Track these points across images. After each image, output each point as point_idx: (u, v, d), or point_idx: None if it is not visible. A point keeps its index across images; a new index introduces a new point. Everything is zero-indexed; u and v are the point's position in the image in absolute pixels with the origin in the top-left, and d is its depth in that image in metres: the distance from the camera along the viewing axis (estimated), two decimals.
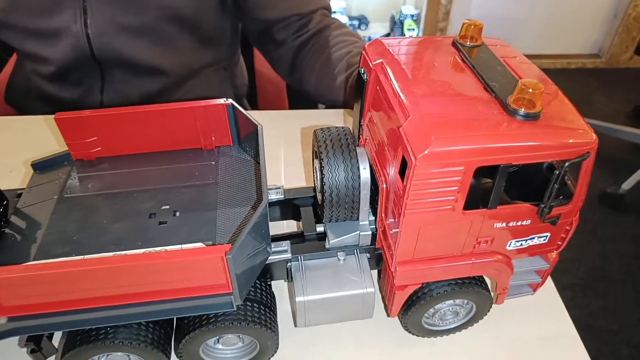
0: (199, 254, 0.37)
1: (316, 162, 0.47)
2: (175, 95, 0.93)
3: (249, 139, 0.53)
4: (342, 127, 0.47)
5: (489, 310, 0.49)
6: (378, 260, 0.48)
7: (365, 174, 0.44)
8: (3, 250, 0.45)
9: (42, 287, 0.37)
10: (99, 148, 0.53)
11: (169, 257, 0.36)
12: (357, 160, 0.44)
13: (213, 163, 0.53)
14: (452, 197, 0.38)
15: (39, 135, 0.78)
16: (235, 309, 0.41)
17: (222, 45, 0.96)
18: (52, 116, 0.82)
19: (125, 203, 0.49)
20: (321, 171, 0.44)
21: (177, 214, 0.48)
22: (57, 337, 0.47)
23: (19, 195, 0.51)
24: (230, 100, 0.52)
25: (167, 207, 0.48)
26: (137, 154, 0.54)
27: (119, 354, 0.44)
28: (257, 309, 0.43)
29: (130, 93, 0.89)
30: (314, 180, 0.51)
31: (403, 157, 0.38)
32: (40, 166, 0.53)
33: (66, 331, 0.43)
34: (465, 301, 0.47)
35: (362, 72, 0.48)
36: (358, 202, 0.45)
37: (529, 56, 0.46)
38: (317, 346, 0.50)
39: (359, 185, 0.44)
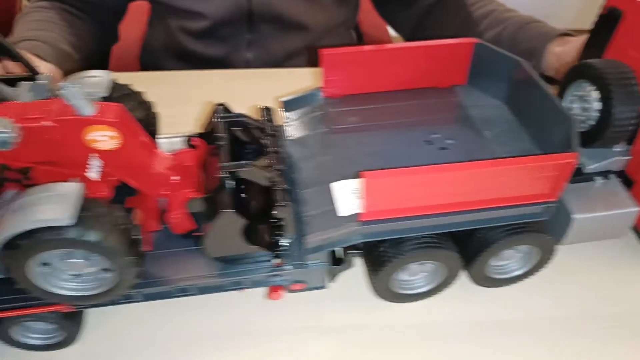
0: (553, 160, 0.41)
1: (586, 91, 0.50)
2: (310, 54, 0.95)
3: (491, 77, 0.56)
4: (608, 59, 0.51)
5: None
6: (626, 184, 0.53)
7: None
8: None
9: (401, 192, 0.41)
10: (349, 85, 0.56)
11: (524, 162, 0.40)
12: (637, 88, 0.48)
13: (455, 99, 0.57)
14: None
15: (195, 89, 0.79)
16: (547, 217, 0.45)
17: (351, 5, 0.99)
18: (198, 71, 0.84)
19: (394, 133, 0.53)
20: (607, 99, 0.48)
21: (451, 141, 0.51)
22: None
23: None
24: (479, 40, 0.55)
25: (438, 135, 0.52)
26: (378, 92, 0.58)
27: (415, 264, 0.48)
28: None
29: (275, 49, 0.92)
30: None
31: None
32: (291, 103, 0.56)
33: (369, 244, 0.47)
34: None
35: (612, 11, 0.52)
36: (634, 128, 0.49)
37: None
38: None
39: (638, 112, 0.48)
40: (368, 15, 1.14)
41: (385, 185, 0.40)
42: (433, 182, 0.40)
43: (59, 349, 0.47)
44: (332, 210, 0.45)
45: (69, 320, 0.45)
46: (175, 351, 0.48)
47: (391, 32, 1.17)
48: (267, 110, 0.51)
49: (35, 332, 0.46)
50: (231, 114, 0.48)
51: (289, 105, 0.56)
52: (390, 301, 0.50)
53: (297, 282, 0.46)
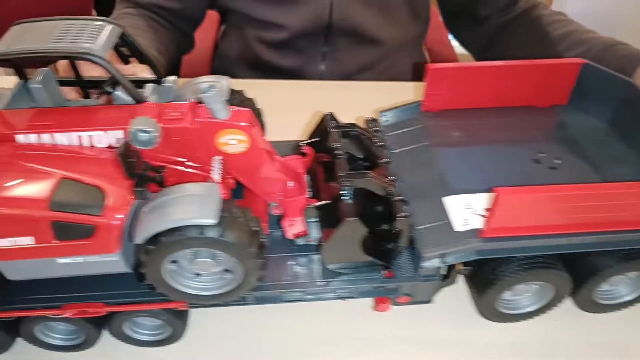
0: None
1: None
2: (381, 68, 0.96)
3: (596, 98, 0.55)
4: None
5: None
6: None
7: None
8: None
9: (530, 210, 0.40)
10: (449, 100, 0.56)
11: None
12: None
13: (557, 119, 0.56)
14: None
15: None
16: None
17: (423, 20, 0.99)
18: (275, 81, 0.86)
19: (498, 150, 0.52)
20: None
21: (558, 161, 0.51)
22: None
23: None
24: (586, 60, 0.55)
25: (545, 154, 0.51)
26: (476, 108, 0.57)
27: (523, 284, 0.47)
28: None
29: (348, 63, 0.93)
30: None
31: None
32: (390, 115, 0.57)
33: (477, 261, 0.46)
34: None
35: None
36: None
37: None
38: None
39: None
40: (434, 31, 1.14)
41: (518, 202, 0.39)
42: (563, 202, 0.39)
43: (164, 345, 0.48)
44: (447, 224, 0.44)
45: (178, 318, 0.46)
46: (274, 356, 0.48)
47: (457, 49, 1.18)
48: (373, 121, 0.52)
49: (144, 328, 0.47)
50: (344, 124, 0.48)
51: (387, 117, 0.57)
52: (493, 320, 0.50)
53: (404, 295, 0.46)
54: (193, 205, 0.36)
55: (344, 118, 0.52)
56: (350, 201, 0.42)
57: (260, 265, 0.39)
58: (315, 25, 0.86)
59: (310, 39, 0.89)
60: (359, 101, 0.69)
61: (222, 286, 0.41)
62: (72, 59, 0.41)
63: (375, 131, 0.50)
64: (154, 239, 0.36)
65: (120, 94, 0.44)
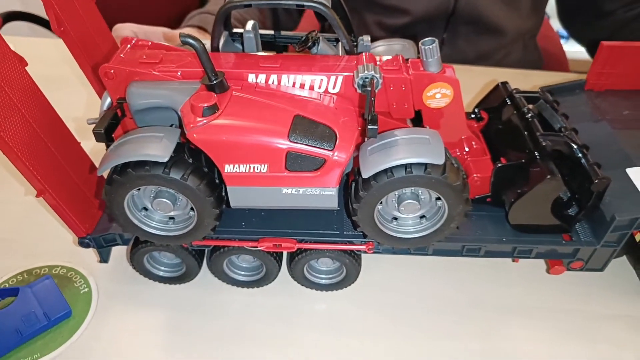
0: None
1: None
2: (498, 58, 0.96)
3: None
4: None
5: None
6: None
7: None
8: None
9: None
10: (617, 80, 0.56)
11: None
12: None
13: None
14: None
15: None
16: None
17: (541, 13, 0.99)
18: None
19: None
20: None
21: None
22: None
23: None
24: None
25: None
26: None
27: None
28: None
29: (466, 50, 0.93)
30: None
31: None
32: (552, 90, 0.57)
33: None
34: None
35: None
36: None
37: None
38: None
39: None
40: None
41: None
42: None
43: (333, 290, 0.51)
44: (635, 193, 0.45)
45: (355, 263, 0.49)
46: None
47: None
48: (550, 92, 0.53)
49: (319, 272, 0.50)
50: (527, 91, 0.50)
51: (552, 91, 0.57)
52: None
53: (579, 260, 0.47)
54: (422, 146, 0.38)
55: None
56: (548, 160, 0.43)
57: (466, 201, 0.41)
58: (438, 11, 0.88)
59: (430, 25, 0.90)
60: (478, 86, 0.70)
61: (419, 231, 0.43)
62: (303, 7, 0.44)
63: (555, 101, 0.51)
64: (377, 175, 0.39)
65: (323, 48, 0.47)
